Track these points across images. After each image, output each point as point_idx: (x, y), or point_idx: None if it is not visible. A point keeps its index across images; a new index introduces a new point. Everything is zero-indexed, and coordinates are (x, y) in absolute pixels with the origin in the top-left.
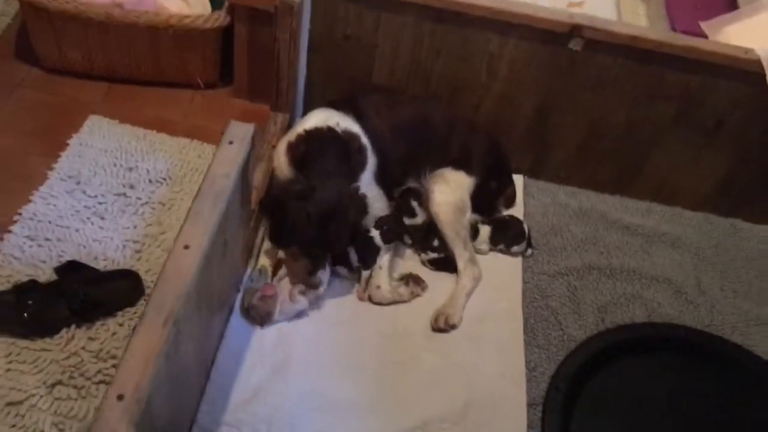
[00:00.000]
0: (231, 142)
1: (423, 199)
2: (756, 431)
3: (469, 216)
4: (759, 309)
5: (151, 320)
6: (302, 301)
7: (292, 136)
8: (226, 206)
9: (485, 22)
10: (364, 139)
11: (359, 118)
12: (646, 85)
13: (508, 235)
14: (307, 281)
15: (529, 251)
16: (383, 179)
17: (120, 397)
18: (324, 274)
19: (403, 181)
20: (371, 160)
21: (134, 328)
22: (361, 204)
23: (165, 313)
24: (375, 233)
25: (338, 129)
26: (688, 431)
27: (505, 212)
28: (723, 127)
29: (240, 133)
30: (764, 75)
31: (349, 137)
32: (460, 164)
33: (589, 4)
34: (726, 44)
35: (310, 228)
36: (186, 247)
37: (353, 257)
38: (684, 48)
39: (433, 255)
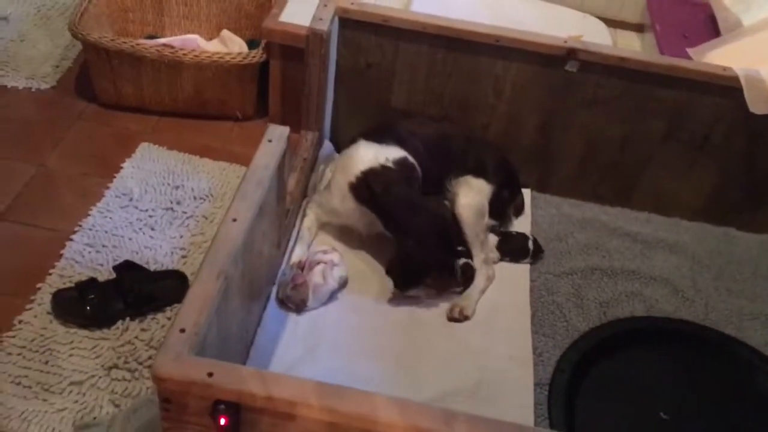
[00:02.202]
0: (270, 141)
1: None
2: (748, 414)
3: (486, 220)
4: (751, 305)
5: (206, 274)
6: (332, 282)
7: (350, 176)
8: (266, 194)
9: (491, 48)
10: (411, 159)
11: (400, 142)
12: (636, 103)
13: (511, 250)
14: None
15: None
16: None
17: (182, 330)
18: None
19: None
20: (420, 176)
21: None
22: (445, 207)
23: (217, 269)
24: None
25: (389, 164)
26: (683, 414)
27: (515, 221)
28: (710, 140)
29: (277, 133)
30: (742, 90)
31: (402, 164)
32: (479, 173)
33: (587, 38)
34: (706, 63)
35: (435, 257)
36: (234, 219)
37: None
38: (668, 67)
39: None
